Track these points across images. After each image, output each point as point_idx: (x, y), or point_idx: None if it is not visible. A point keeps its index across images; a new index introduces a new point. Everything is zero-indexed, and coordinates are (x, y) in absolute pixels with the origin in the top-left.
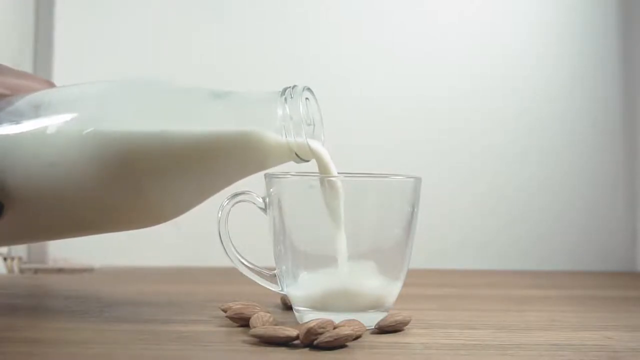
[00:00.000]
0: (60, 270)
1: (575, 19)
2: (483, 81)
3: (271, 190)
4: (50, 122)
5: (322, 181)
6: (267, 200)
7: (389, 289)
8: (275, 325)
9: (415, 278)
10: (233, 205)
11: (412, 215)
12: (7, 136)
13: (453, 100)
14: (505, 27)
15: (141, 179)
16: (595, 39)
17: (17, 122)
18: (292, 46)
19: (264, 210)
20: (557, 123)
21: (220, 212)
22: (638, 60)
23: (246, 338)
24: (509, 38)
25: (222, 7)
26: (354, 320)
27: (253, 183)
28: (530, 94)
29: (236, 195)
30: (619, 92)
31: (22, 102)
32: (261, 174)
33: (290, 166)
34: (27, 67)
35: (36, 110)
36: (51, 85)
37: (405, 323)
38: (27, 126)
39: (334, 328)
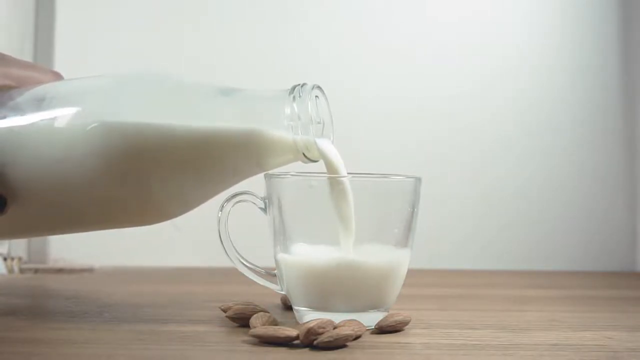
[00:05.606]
0: (60, 270)
1: (575, 19)
2: (483, 81)
3: (271, 190)
4: (55, 116)
5: (329, 182)
6: (267, 200)
7: (389, 288)
8: (275, 325)
9: (415, 278)
10: (233, 205)
11: (412, 215)
12: (10, 130)
13: (452, 101)
14: (505, 27)
15: (145, 174)
16: (595, 39)
17: (21, 116)
18: (291, 46)
19: (264, 210)
20: (556, 123)
21: (220, 212)
22: (638, 61)
23: (246, 338)
24: (509, 38)
25: (223, 6)
26: (354, 320)
27: (253, 183)
28: (530, 95)
29: (236, 195)
30: (619, 92)
31: (26, 96)
32: (261, 173)
33: (291, 166)
34: (27, 56)
35: (40, 104)
36: (56, 75)
37: (405, 323)
38: (31, 120)
39: (334, 328)
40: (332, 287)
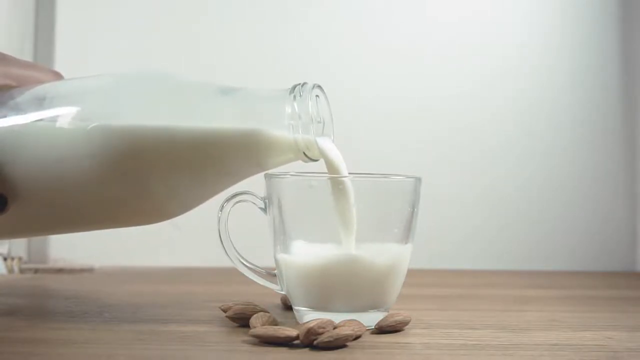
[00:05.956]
0: (60, 270)
1: (575, 19)
2: (483, 81)
3: (271, 190)
4: (55, 116)
5: (329, 181)
6: (267, 200)
7: (389, 286)
8: (275, 325)
9: (415, 278)
10: (233, 205)
11: (412, 215)
12: (11, 129)
13: (452, 101)
14: (505, 27)
15: (145, 174)
16: (595, 39)
17: (21, 116)
18: (291, 46)
19: (264, 210)
20: (556, 123)
21: (220, 212)
22: (638, 60)
23: (246, 338)
24: (509, 38)
25: (223, 6)
26: (354, 320)
27: (253, 183)
28: (530, 95)
29: (236, 195)
30: (619, 92)
31: (26, 95)
32: (261, 173)
33: (291, 166)
34: (28, 57)
35: (40, 104)
36: (57, 75)
37: (405, 323)
38: (31, 120)
39: (334, 328)
40: (333, 285)
